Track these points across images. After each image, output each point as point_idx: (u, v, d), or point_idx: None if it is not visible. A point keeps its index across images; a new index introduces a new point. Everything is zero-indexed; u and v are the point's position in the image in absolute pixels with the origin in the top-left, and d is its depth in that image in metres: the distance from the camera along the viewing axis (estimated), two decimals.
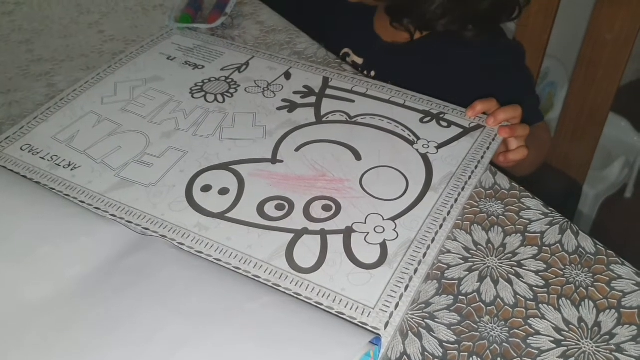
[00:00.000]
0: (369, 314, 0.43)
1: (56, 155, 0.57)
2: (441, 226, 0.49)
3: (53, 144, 0.58)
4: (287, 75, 0.67)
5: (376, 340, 0.40)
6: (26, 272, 0.44)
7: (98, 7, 0.82)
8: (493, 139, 0.58)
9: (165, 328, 0.40)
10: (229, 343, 0.39)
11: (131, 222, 0.50)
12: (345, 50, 0.82)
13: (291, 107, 0.62)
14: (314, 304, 0.43)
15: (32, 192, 0.52)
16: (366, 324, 0.42)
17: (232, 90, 0.64)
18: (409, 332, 0.43)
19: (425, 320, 0.44)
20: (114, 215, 0.50)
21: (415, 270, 0.46)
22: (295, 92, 0.64)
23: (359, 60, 0.80)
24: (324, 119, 0.60)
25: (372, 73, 0.79)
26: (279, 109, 0.62)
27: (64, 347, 0.39)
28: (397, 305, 0.43)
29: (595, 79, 0.93)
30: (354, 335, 0.40)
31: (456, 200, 0.51)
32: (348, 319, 0.42)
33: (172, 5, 0.79)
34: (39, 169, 0.55)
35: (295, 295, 0.44)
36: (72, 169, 0.55)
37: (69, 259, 0.45)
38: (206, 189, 0.53)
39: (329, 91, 0.64)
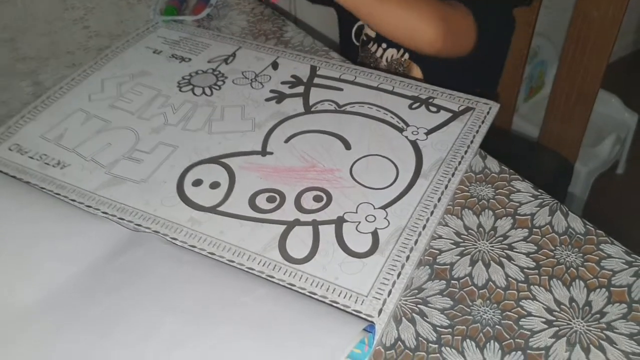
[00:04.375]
0: (362, 302, 0.43)
1: (45, 155, 0.56)
2: (432, 213, 0.49)
3: (42, 143, 0.58)
4: (275, 65, 0.66)
5: (370, 327, 0.40)
6: (19, 274, 0.44)
7: (82, 3, 0.81)
8: (482, 122, 0.58)
9: (162, 326, 0.40)
10: (226, 337, 0.39)
11: (123, 219, 0.50)
12: (360, 23, 0.83)
13: (279, 97, 0.62)
14: (307, 293, 0.44)
15: (22, 193, 0.52)
16: (360, 312, 0.42)
17: (219, 83, 0.64)
18: (403, 318, 0.44)
19: (419, 306, 0.44)
20: (106, 213, 0.51)
21: (407, 257, 0.46)
22: (283, 82, 0.64)
23: (372, 34, 0.81)
24: (312, 109, 0.60)
25: (384, 45, 0.79)
26: (268, 100, 0.62)
27: (60, 349, 0.40)
28: (390, 292, 0.44)
29: (584, 56, 0.92)
30: (348, 323, 0.40)
31: (446, 186, 0.51)
32: (342, 307, 0.43)
33: None
34: (28, 168, 0.55)
35: (289, 286, 0.44)
36: (61, 168, 0.55)
37: (62, 259, 0.45)
38: (197, 183, 0.53)
39: (317, 80, 0.64)
